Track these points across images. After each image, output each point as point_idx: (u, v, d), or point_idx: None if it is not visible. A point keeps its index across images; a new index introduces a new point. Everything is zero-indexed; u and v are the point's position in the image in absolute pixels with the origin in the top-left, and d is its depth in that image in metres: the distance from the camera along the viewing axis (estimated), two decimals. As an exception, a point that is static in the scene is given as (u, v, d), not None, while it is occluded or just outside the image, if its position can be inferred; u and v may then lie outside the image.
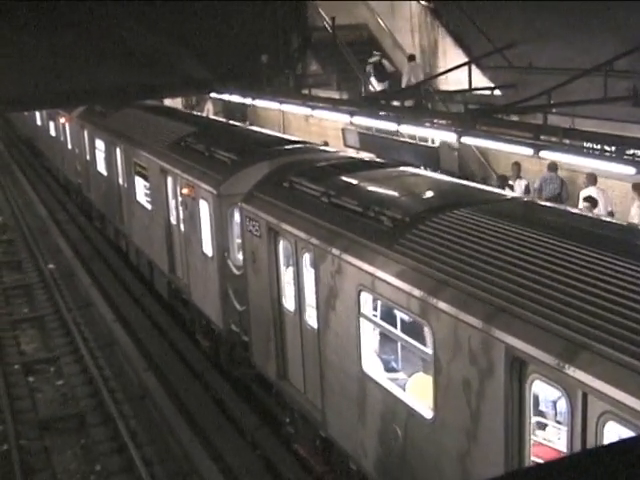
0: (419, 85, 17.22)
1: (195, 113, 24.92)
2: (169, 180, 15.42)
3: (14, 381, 14.84)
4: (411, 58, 18.94)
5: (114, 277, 20.22)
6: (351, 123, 17.78)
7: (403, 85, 18.59)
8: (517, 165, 15.89)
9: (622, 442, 2.12)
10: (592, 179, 14.05)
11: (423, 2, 19.39)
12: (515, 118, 12.81)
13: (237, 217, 12.30)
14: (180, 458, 11.80)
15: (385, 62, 20.26)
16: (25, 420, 13.32)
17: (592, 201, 13.43)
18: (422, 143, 17.78)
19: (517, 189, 15.42)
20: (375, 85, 19.51)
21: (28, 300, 19.45)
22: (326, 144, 17.67)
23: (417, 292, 7.36)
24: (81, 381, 14.71)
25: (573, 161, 11.64)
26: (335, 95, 18.62)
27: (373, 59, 19.95)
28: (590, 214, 10.53)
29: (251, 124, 24.39)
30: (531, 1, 14.86)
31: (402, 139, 18.07)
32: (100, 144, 21.87)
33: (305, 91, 17.37)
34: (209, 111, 27.34)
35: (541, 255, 6.81)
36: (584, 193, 14.11)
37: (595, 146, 9.83)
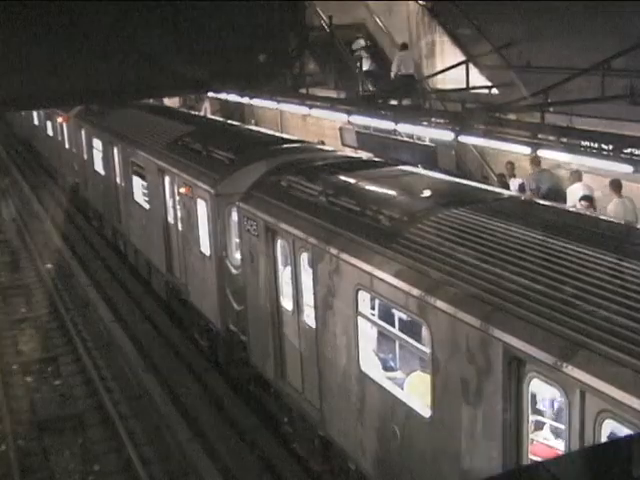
0: (417, 84, 17.22)
1: (193, 112, 24.92)
2: (167, 179, 15.40)
3: (12, 381, 14.83)
4: (403, 47, 18.92)
5: (112, 277, 20.21)
6: (349, 122, 17.78)
7: (393, 74, 18.63)
8: (511, 164, 15.92)
9: (619, 440, 2.13)
10: (577, 176, 14.14)
11: (421, 2, 19.37)
12: (513, 117, 12.81)
13: (235, 216, 12.28)
14: (178, 458, 11.80)
15: (369, 43, 20.61)
16: (23, 420, 13.30)
17: (589, 200, 13.45)
18: (420, 142, 17.77)
19: (511, 188, 15.44)
20: (366, 66, 19.78)
21: (26, 300, 19.42)
22: (322, 143, 17.67)
23: (415, 291, 7.35)
24: (79, 381, 14.69)
25: (571, 159, 11.64)
26: (333, 94, 18.61)
27: (357, 43, 20.23)
28: (589, 212, 10.54)
29: (255, 123, 24.44)
30: (529, 1, 14.84)
31: (400, 138, 18.05)
32: (97, 144, 21.85)
33: (303, 90, 17.35)
34: (207, 110, 27.33)
35: (539, 254, 6.81)
36: (571, 189, 14.15)
37: (592, 144, 9.83)
